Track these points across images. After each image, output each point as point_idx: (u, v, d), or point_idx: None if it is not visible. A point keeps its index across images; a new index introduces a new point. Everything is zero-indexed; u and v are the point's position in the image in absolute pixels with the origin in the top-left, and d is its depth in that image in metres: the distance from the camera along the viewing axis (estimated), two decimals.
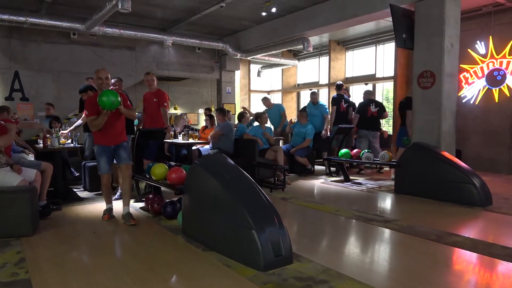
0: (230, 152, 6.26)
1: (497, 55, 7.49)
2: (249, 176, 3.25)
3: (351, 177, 6.79)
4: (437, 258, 3.08)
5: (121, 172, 4.35)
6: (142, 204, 4.86)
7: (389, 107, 9.56)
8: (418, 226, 3.90)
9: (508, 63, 7.35)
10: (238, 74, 12.46)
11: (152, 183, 4.49)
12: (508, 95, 7.37)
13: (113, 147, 4.17)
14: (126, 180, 4.23)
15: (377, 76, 10.23)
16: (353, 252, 3.40)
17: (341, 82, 8.33)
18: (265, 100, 8.64)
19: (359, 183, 6.48)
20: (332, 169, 7.32)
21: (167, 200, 4.34)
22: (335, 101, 7.85)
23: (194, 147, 6.61)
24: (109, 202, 4.34)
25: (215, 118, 6.91)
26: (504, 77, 7.40)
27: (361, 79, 10.71)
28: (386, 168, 7.32)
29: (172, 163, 4.88)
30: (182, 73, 10.79)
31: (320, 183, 6.59)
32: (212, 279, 2.65)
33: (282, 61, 12.06)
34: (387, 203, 5.34)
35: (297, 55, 12.58)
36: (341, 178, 6.79)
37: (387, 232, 3.80)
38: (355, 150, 6.61)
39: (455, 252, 3.23)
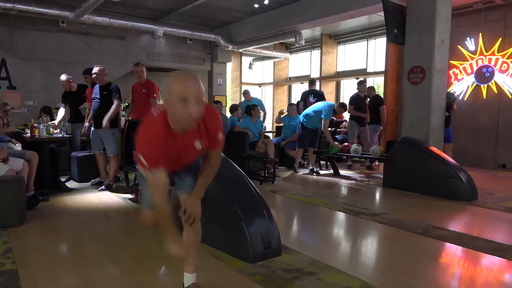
0: None
1: (486, 52, 7.58)
2: (239, 169, 3.25)
3: (341, 171, 6.84)
4: (422, 251, 3.14)
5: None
6: (131, 196, 4.84)
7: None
8: (405, 219, 3.95)
9: (497, 60, 7.44)
10: (229, 66, 12.40)
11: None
12: (496, 92, 7.48)
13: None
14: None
15: (368, 70, 10.28)
16: (341, 244, 3.45)
17: (313, 78, 8.54)
18: (246, 94, 8.70)
19: (348, 177, 6.54)
20: (322, 162, 7.38)
21: None
22: (302, 96, 8.19)
23: None
24: None
25: None
26: (492, 74, 7.50)
27: (352, 73, 10.75)
28: (377, 163, 7.38)
29: None
30: (173, 64, 10.69)
31: (309, 176, 6.62)
32: (201, 271, 2.65)
33: (274, 53, 12.03)
34: (375, 196, 5.40)
35: (289, 48, 12.55)
36: (331, 171, 6.84)
37: (374, 225, 3.84)
38: (345, 144, 6.65)
39: (440, 245, 3.29)
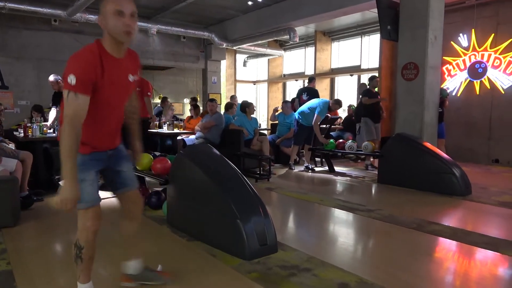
0: (217, 143, 6.25)
1: (479, 48, 7.63)
2: (234, 166, 3.25)
3: (336, 167, 6.87)
4: (417, 246, 3.17)
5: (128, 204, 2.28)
6: None
7: None
8: (400, 215, 3.98)
9: (489, 56, 7.50)
10: (224, 63, 12.38)
11: (136, 173, 4.45)
12: (489, 87, 7.53)
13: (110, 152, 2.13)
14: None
15: (362, 67, 10.31)
16: (337, 241, 3.46)
17: (312, 76, 8.70)
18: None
19: (343, 173, 6.57)
20: (317, 159, 7.40)
21: (151, 190, 4.32)
22: (297, 94, 8.18)
23: (179, 137, 6.57)
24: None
25: (207, 107, 6.81)
26: (485, 69, 7.56)
27: (346, 70, 10.78)
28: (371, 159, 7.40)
29: (157, 153, 4.84)
30: (166, 62, 10.66)
31: (305, 173, 6.64)
32: (197, 269, 2.66)
33: (268, 51, 12.03)
34: (370, 192, 5.43)
35: (283, 45, 12.55)
36: (326, 168, 6.86)
37: (369, 221, 3.87)
38: (340, 140, 6.67)
39: (435, 240, 3.31)
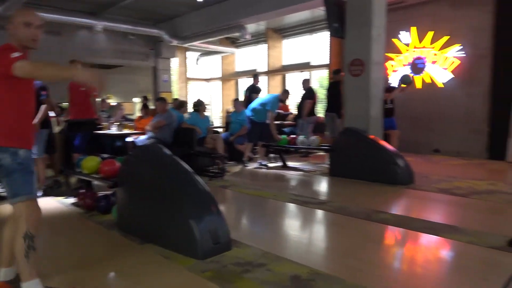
0: (169, 142, 6.13)
1: (419, 44, 8.09)
2: (186, 165, 3.21)
3: (289, 163, 6.99)
4: (366, 235, 3.31)
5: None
6: (73, 200, 4.60)
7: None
8: (350, 206, 4.13)
9: (428, 52, 7.97)
10: (175, 61, 12.16)
11: (83, 177, 4.27)
12: (429, 82, 8.01)
13: None
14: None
15: (312, 64, 10.55)
16: (291, 234, 3.53)
17: (256, 73, 8.72)
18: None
19: (296, 168, 6.71)
20: (271, 155, 7.49)
21: (100, 194, 4.15)
22: (246, 92, 8.38)
23: (129, 138, 6.37)
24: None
25: (156, 107, 6.66)
26: (425, 65, 8.03)
27: (297, 66, 10.99)
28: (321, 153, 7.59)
29: (105, 156, 4.67)
30: (114, 61, 10.29)
31: (259, 170, 6.70)
32: (151, 272, 2.60)
33: (220, 48, 11.98)
34: (322, 186, 5.60)
35: (235, 42, 12.55)
36: (279, 164, 6.97)
37: (321, 213, 3.98)
38: (292, 136, 6.80)
39: (382, 228, 3.48)
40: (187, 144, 6.19)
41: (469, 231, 3.20)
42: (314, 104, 7.71)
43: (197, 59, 13.32)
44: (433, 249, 3.08)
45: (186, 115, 7.18)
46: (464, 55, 7.54)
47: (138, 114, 9.72)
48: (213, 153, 6.20)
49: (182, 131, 6.38)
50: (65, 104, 7.72)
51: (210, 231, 2.78)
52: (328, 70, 9.59)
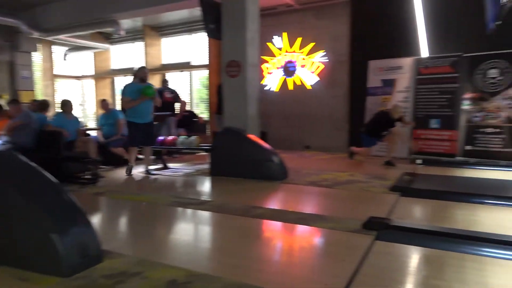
0: (29, 146, 5.42)
1: (290, 49, 8.75)
2: (46, 174, 2.87)
3: (170, 164, 6.84)
4: (244, 231, 3.42)
5: None
6: None
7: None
8: (228, 203, 4.24)
9: (298, 56, 8.68)
10: (38, 56, 10.80)
11: None
12: (299, 84, 8.74)
13: None
14: None
15: (192, 64, 10.52)
16: (169, 238, 3.46)
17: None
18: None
19: (177, 169, 6.61)
20: (152, 157, 7.21)
21: None
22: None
23: None
24: None
25: (9, 110, 5.80)
26: (295, 68, 8.73)
27: (177, 66, 10.82)
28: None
29: None
30: None
31: (138, 174, 6.39)
32: None
33: (92, 44, 11.06)
34: (202, 186, 5.63)
35: (109, 38, 11.73)
36: (160, 166, 6.76)
37: (202, 213, 3.99)
38: (171, 137, 6.67)
39: (259, 223, 3.65)
40: (52, 148, 5.55)
41: (332, 218, 3.58)
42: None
43: (65, 55, 12.05)
44: (304, 238, 3.35)
45: (51, 116, 6.44)
46: (327, 60, 8.43)
47: None
48: (84, 158, 5.69)
49: (45, 134, 5.71)
50: None
51: (76, 245, 2.53)
52: (208, 70, 9.68)
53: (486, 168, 6.17)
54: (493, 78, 6.71)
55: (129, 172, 6.10)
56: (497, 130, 6.67)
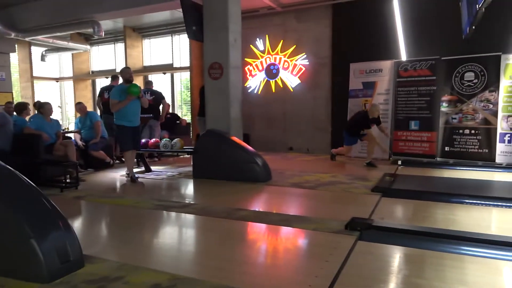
0: (6, 150, 5.27)
1: (272, 51, 8.79)
2: (23, 178, 2.79)
3: (153, 167, 6.77)
4: (227, 233, 3.42)
5: None
6: None
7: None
8: (212, 206, 4.23)
9: (280, 59, 8.72)
10: (15, 57, 10.52)
11: None
12: (282, 86, 8.78)
13: None
14: None
15: (174, 65, 10.44)
16: (152, 242, 3.41)
17: (116, 74, 8.21)
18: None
19: (160, 172, 6.54)
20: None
21: None
22: (99, 93, 8.00)
23: None
24: None
25: None
26: (278, 70, 8.77)
27: (159, 68, 10.73)
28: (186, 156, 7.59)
29: None
30: None
31: (120, 177, 6.30)
32: None
33: (71, 45, 10.84)
34: (185, 188, 5.58)
35: (89, 39, 11.54)
36: (143, 169, 6.68)
37: (185, 216, 3.97)
38: (152, 140, 6.60)
39: (242, 225, 3.65)
40: (31, 152, 5.42)
41: (315, 219, 3.61)
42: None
43: (43, 56, 11.78)
44: (288, 239, 3.36)
45: (28, 119, 6.28)
46: (308, 63, 8.50)
47: None
48: (64, 161, 5.57)
49: (23, 137, 5.56)
50: None
51: (57, 250, 2.48)
52: (190, 72, 9.63)
53: (464, 169, 6.36)
54: (470, 81, 6.91)
55: (133, 181, 5.79)
56: (474, 131, 6.86)
